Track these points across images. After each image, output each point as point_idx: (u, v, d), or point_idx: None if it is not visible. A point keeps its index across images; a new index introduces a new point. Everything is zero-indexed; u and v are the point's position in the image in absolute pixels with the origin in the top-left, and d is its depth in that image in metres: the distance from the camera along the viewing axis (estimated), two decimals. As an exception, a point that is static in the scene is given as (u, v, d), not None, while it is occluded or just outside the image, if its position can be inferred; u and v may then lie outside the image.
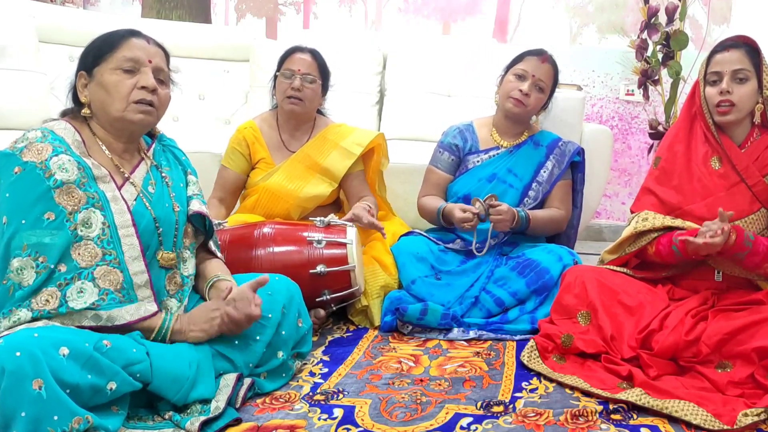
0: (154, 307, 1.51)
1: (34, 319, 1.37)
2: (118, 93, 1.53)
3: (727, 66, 1.88)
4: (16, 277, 1.39)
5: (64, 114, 1.62)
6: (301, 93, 2.36)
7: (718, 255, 1.82)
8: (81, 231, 1.45)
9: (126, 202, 1.54)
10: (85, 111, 1.57)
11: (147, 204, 1.58)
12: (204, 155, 2.68)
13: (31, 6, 3.30)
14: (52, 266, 1.40)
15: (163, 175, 1.67)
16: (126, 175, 1.59)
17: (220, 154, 2.51)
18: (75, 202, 1.45)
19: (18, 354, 1.22)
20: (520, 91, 2.33)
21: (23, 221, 1.41)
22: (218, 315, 1.55)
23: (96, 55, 1.56)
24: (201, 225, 1.75)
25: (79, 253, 1.44)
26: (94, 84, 1.55)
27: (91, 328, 1.42)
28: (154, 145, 1.70)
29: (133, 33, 1.59)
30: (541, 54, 2.39)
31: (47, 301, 1.39)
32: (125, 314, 1.45)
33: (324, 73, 2.44)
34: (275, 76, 2.44)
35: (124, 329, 1.46)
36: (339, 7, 4.10)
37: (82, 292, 1.41)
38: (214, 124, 3.42)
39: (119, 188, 1.55)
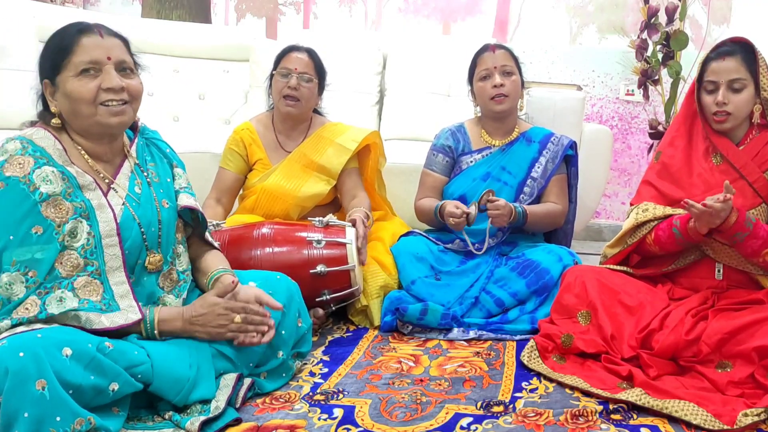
0: (136, 316, 1.48)
1: (13, 326, 1.35)
2: (84, 100, 1.46)
3: (723, 76, 1.88)
4: (5, 292, 1.38)
5: (42, 117, 1.55)
6: (297, 92, 2.35)
7: (718, 235, 1.82)
8: (67, 241, 1.43)
9: (113, 209, 1.51)
10: (56, 121, 1.51)
11: (133, 211, 1.54)
12: (204, 155, 2.69)
13: (31, 6, 3.30)
14: (42, 280, 1.39)
15: (148, 173, 1.63)
16: (108, 181, 1.55)
17: (220, 154, 2.51)
18: (63, 213, 1.42)
19: (21, 354, 1.22)
20: (494, 86, 2.33)
21: (11, 237, 1.38)
22: (228, 323, 1.54)
23: (53, 63, 1.48)
24: (191, 219, 1.72)
25: (61, 263, 1.42)
26: (59, 93, 1.49)
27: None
28: (136, 140, 1.65)
29: (83, 30, 1.49)
30: (487, 47, 2.40)
31: (27, 309, 1.37)
32: (104, 320, 1.43)
33: (320, 72, 2.44)
34: (271, 75, 2.44)
35: (110, 333, 1.44)
36: (339, 7, 4.10)
37: (61, 300, 1.40)
38: (214, 124, 3.41)
39: (105, 194, 1.52)
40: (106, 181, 1.55)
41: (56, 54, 1.48)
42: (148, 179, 1.62)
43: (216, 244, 1.79)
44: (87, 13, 3.72)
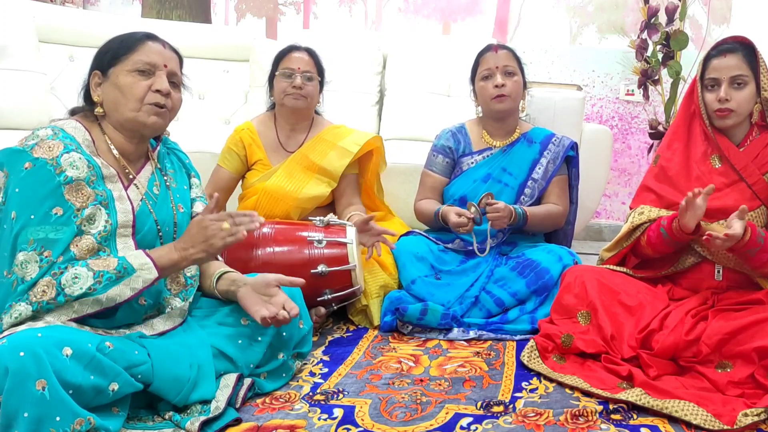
0: (152, 275, 1.48)
1: (35, 313, 1.37)
2: (132, 94, 1.55)
3: (725, 72, 1.87)
4: (20, 271, 1.39)
5: (74, 113, 1.63)
6: (302, 91, 2.36)
7: (730, 251, 1.82)
8: (84, 226, 1.46)
9: (131, 203, 1.56)
10: (98, 110, 1.58)
11: (150, 207, 1.60)
12: (204, 155, 2.68)
13: (31, 6, 3.31)
14: (55, 260, 1.41)
15: (168, 178, 1.69)
16: (131, 177, 1.61)
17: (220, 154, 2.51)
18: (84, 198, 1.46)
19: (22, 354, 1.22)
20: (496, 86, 2.33)
21: (32, 216, 1.41)
22: (217, 231, 1.52)
23: (113, 55, 1.57)
24: None
25: (77, 245, 1.44)
26: (108, 84, 1.57)
27: (96, 315, 1.42)
28: (158, 148, 1.72)
29: (150, 37, 1.61)
30: (489, 48, 2.40)
31: (44, 291, 1.39)
32: (126, 290, 1.45)
33: (321, 70, 2.45)
34: (272, 77, 2.44)
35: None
36: (339, 7, 4.10)
37: (77, 278, 1.41)
38: (214, 124, 3.42)
39: (126, 188, 1.57)
40: (130, 176, 1.61)
41: (119, 48, 1.58)
42: (167, 183, 1.69)
43: (220, 257, 1.81)
44: (87, 13, 3.72)
